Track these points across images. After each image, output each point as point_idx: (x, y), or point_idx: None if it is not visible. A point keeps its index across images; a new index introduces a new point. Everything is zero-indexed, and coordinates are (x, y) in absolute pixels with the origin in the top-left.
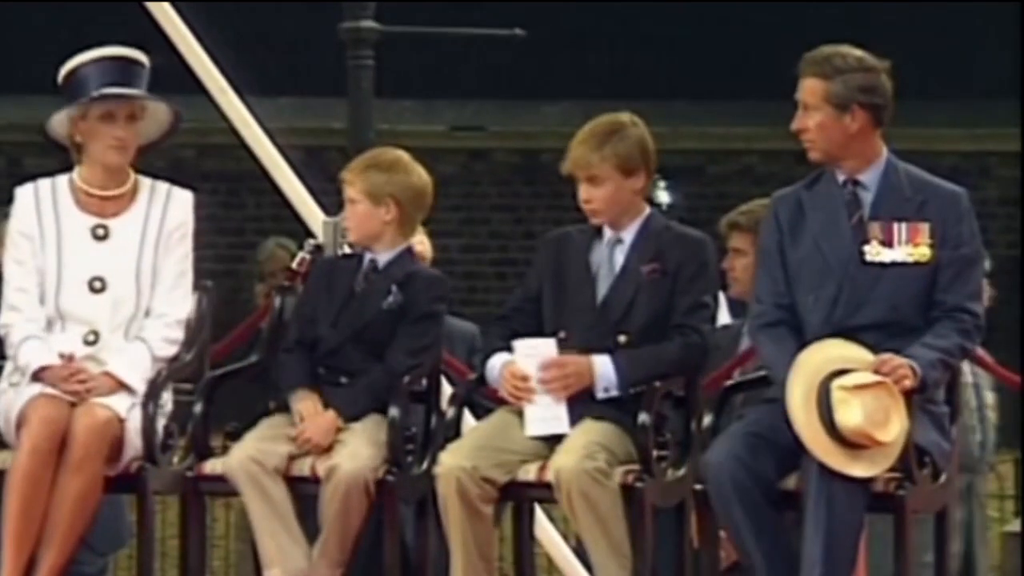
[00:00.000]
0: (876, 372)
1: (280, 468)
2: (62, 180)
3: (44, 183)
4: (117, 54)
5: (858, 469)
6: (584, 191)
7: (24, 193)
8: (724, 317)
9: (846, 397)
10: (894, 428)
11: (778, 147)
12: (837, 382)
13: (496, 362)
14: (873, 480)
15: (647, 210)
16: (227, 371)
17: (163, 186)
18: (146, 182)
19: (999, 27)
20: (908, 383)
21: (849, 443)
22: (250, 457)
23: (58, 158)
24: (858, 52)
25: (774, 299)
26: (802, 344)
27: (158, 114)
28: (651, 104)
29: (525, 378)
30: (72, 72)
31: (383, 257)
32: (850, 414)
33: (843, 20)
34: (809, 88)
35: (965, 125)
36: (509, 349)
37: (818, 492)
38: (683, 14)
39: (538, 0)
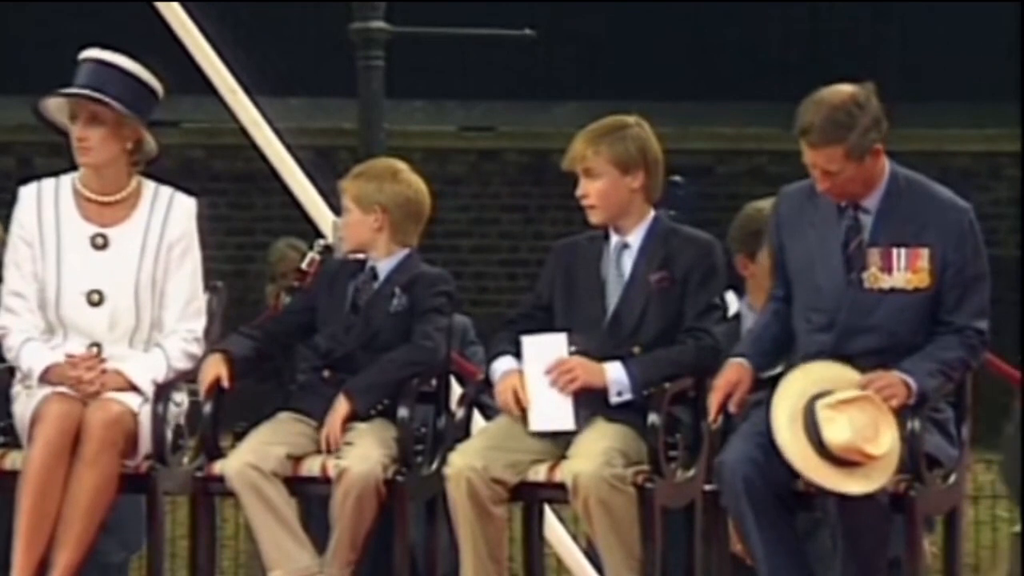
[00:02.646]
0: (864, 388)
1: (278, 471)
2: (66, 181)
3: (48, 184)
4: (102, 57)
5: (853, 486)
6: (581, 186)
7: (27, 194)
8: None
9: (832, 415)
10: (885, 441)
11: (788, 148)
12: (821, 401)
13: (499, 367)
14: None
15: (651, 213)
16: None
17: (166, 192)
18: (150, 187)
19: (1009, 28)
20: (898, 400)
21: (841, 461)
22: (247, 463)
23: (69, 159)
24: (846, 90)
25: (773, 291)
26: (787, 355)
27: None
28: (661, 104)
29: (518, 400)
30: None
31: (383, 265)
32: (837, 431)
33: (853, 22)
34: (827, 157)
35: (976, 126)
36: (515, 353)
37: (837, 514)
38: (692, 14)
39: (548, 0)
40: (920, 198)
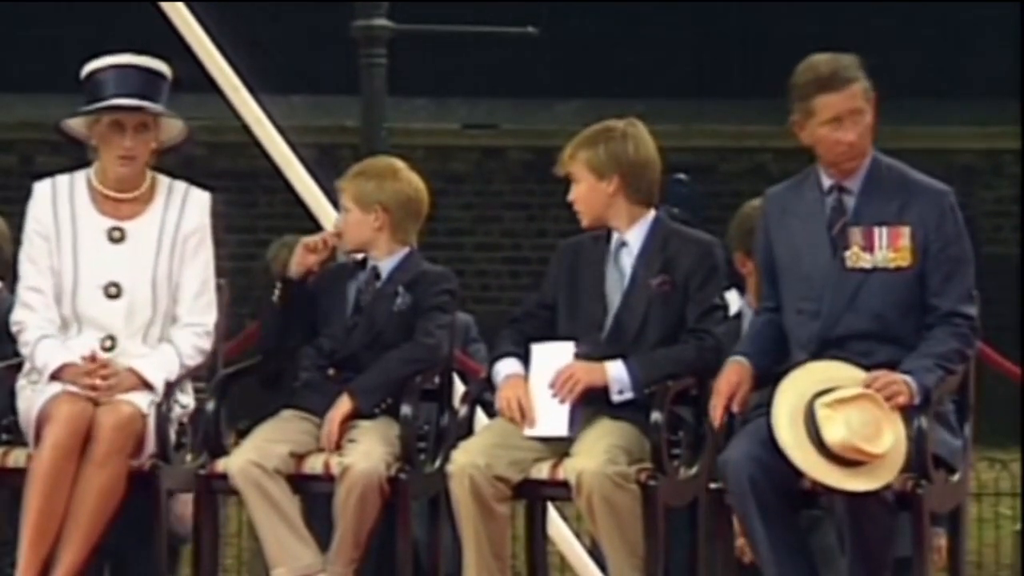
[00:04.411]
0: (867, 388)
1: (281, 468)
2: (80, 177)
3: (62, 179)
4: (138, 63)
5: (856, 484)
6: (571, 191)
7: (41, 189)
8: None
9: (830, 414)
10: (887, 439)
11: (791, 145)
12: (820, 400)
13: (501, 369)
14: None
15: (651, 213)
16: (239, 369)
17: (180, 186)
18: (164, 181)
19: (1012, 25)
20: (902, 399)
21: (843, 459)
22: (250, 460)
23: (70, 156)
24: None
25: (765, 301)
26: (787, 355)
27: (172, 122)
28: (663, 102)
29: (522, 407)
30: (93, 73)
31: (384, 264)
32: (834, 430)
33: (854, 19)
34: (852, 96)
35: (979, 123)
36: (517, 354)
37: (844, 513)
38: (695, 12)
39: None
40: (901, 181)
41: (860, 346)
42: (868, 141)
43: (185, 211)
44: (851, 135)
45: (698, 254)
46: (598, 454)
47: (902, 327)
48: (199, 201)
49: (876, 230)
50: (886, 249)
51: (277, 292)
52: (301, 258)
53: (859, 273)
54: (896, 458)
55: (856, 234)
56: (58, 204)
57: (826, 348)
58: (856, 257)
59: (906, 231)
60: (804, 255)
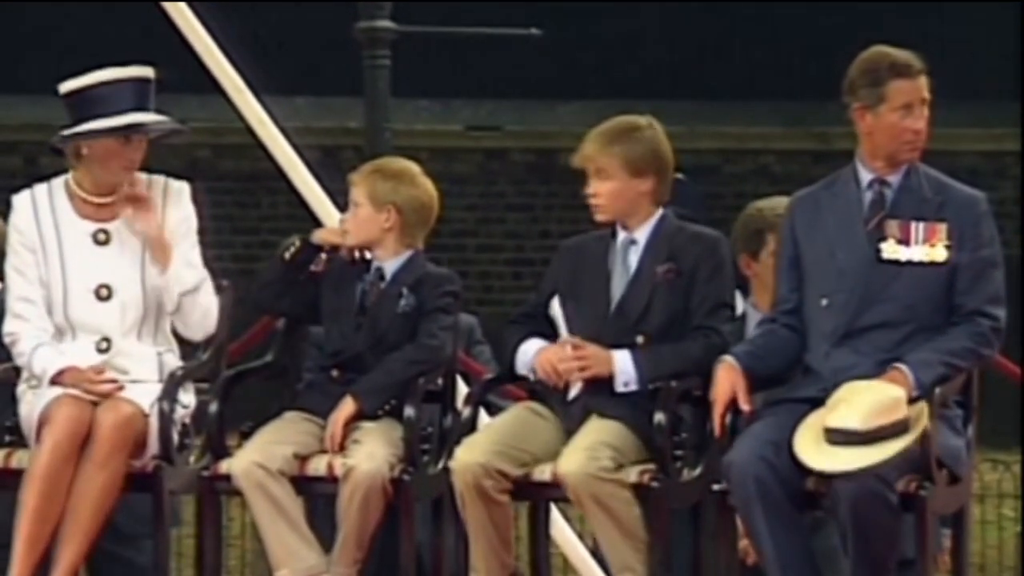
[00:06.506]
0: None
1: (285, 470)
2: (58, 184)
3: (40, 189)
4: (136, 75)
5: (909, 434)
6: (591, 184)
7: (22, 201)
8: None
9: (838, 414)
10: (892, 390)
11: (794, 147)
12: (824, 421)
13: (530, 348)
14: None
15: (659, 212)
16: (243, 370)
17: (159, 180)
18: (141, 179)
19: (1012, 25)
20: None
21: (887, 431)
22: (253, 462)
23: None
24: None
25: (780, 305)
26: (804, 346)
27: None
28: (667, 103)
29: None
30: (85, 88)
31: (389, 265)
32: (851, 415)
33: (857, 21)
34: (926, 84)
35: (982, 125)
36: (539, 334)
37: (847, 514)
38: (698, 14)
39: (554, 0)
40: (939, 182)
41: (884, 338)
42: (927, 135)
43: (168, 205)
44: (920, 123)
45: (704, 247)
46: (579, 451)
47: (929, 323)
48: (179, 192)
49: (913, 224)
50: (922, 244)
51: (292, 249)
52: (330, 234)
53: (892, 266)
54: (916, 420)
55: (893, 226)
56: (40, 215)
57: (849, 338)
58: (891, 250)
59: (943, 228)
60: (839, 249)
